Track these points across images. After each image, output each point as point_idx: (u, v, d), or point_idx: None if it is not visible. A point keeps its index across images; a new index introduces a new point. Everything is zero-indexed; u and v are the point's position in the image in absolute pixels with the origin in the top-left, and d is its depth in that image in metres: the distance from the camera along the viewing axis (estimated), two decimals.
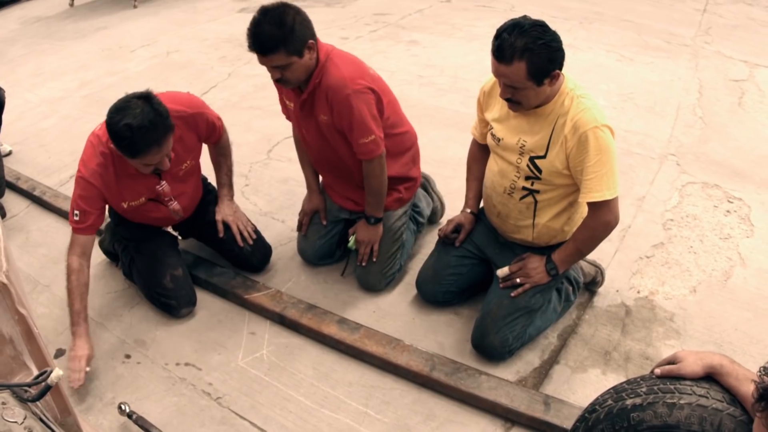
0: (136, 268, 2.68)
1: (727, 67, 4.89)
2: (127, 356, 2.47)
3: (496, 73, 2.03)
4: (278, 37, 2.21)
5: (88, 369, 2.26)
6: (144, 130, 2.15)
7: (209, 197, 2.88)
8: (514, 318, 2.28)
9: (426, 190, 3.10)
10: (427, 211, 2.99)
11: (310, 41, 2.29)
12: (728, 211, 3.15)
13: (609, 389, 1.55)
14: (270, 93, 4.76)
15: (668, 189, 3.36)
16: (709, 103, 4.30)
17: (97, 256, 3.01)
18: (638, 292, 2.64)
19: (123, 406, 2.16)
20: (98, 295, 2.78)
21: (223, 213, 2.82)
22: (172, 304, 2.60)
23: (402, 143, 2.70)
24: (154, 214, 2.63)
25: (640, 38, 5.64)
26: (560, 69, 1.99)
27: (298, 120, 2.60)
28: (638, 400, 1.42)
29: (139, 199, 2.52)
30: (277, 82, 2.37)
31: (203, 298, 2.74)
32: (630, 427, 1.42)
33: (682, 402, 1.36)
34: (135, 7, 7.55)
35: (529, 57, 1.93)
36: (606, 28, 5.92)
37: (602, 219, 2.10)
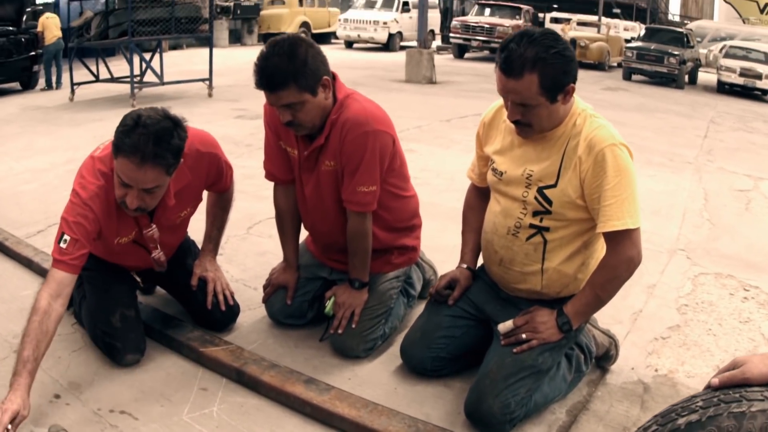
0: (85, 303, 2.35)
1: (732, 180, 4.88)
2: (57, 396, 2.08)
3: (504, 89, 1.83)
4: (289, 70, 2.00)
5: (10, 428, 1.76)
6: (144, 132, 1.89)
7: (184, 244, 2.60)
8: (517, 379, 1.92)
9: (416, 262, 2.81)
10: (418, 285, 2.69)
11: (325, 78, 2.09)
12: (745, 298, 2.96)
13: (651, 417, 1.20)
14: (256, 181, 4.64)
15: (680, 278, 3.16)
16: (716, 209, 4.23)
17: None
18: (656, 370, 2.33)
19: None
20: None
21: (203, 267, 2.51)
22: (116, 347, 2.23)
23: (407, 207, 2.48)
24: (129, 260, 2.35)
25: (642, 156, 5.68)
26: (574, 83, 1.80)
27: (298, 171, 2.35)
28: (694, 417, 1.10)
29: (129, 235, 2.23)
30: (288, 125, 2.13)
31: (154, 349, 2.37)
32: None
33: (753, 410, 1.06)
34: (133, 106, 7.65)
35: (541, 68, 1.75)
36: None
37: (624, 254, 1.82)
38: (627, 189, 1.78)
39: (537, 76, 1.74)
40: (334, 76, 2.17)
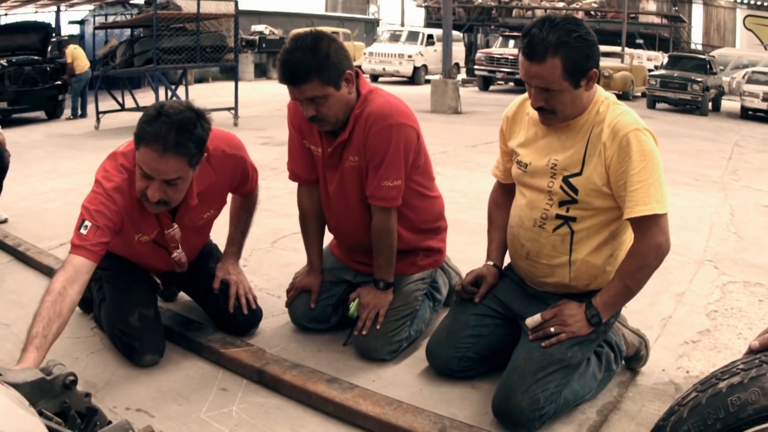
0: (104, 304, 2.33)
1: (757, 197, 4.84)
2: None
3: (527, 74, 1.82)
4: (311, 63, 2.02)
5: None
6: (167, 121, 1.90)
7: (207, 247, 2.58)
8: (546, 374, 1.86)
9: (442, 267, 2.76)
10: (444, 290, 2.64)
11: (348, 72, 2.10)
12: None
13: (690, 386, 1.16)
14: (281, 200, 4.66)
15: (708, 287, 3.10)
16: (743, 223, 4.20)
17: None
18: (687, 372, 2.26)
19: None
20: (59, 338, 2.40)
21: (225, 270, 2.47)
22: (135, 347, 2.20)
23: (432, 208, 2.45)
24: (150, 259, 2.33)
25: (668, 177, 5.51)
26: (597, 68, 1.79)
27: (322, 170, 2.34)
28: (736, 379, 1.06)
29: (150, 234, 2.21)
30: (312, 121, 2.13)
31: (173, 352, 2.35)
32: (729, 416, 1.03)
33: None
34: None
35: (564, 52, 1.74)
36: None
37: (653, 241, 1.77)
38: (653, 174, 1.75)
39: (560, 60, 1.74)
40: (357, 73, 2.17)
